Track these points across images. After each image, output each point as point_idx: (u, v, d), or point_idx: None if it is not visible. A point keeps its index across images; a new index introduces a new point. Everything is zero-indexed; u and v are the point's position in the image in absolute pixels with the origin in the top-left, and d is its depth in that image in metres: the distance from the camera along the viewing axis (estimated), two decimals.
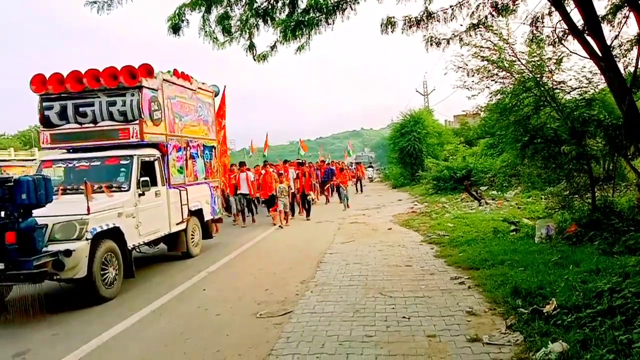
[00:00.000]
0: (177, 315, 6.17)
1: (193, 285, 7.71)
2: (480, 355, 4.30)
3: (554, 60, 8.60)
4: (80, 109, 8.46)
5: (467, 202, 16.98)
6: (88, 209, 6.61)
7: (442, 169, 22.32)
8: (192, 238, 9.90)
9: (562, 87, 8.81)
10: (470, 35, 8.20)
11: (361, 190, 28.75)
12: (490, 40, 8.89)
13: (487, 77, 9.16)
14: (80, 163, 8.25)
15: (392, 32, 7.42)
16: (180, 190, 9.29)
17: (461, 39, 8.15)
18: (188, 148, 9.88)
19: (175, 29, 6.20)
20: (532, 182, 12.30)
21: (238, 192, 15.18)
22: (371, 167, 47.45)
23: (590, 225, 8.08)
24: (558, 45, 8.23)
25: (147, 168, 8.40)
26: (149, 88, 8.47)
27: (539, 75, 8.69)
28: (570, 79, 8.72)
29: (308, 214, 16.16)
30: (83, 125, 8.51)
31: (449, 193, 20.30)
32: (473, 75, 9.22)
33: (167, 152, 8.99)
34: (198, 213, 10.23)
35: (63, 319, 6.25)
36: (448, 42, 8.08)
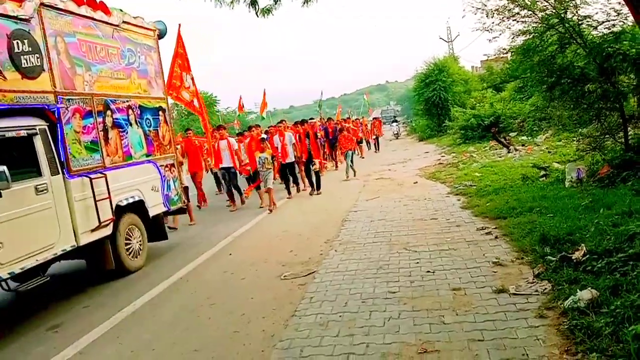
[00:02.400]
0: (203, 282, 6.25)
1: (220, 250, 7.79)
2: (506, 306, 4.19)
3: None
4: None
5: (496, 149, 16.60)
6: None
7: (469, 118, 21.80)
8: (127, 246, 6.97)
9: (588, 21, 8.29)
10: None
11: (377, 149, 26.15)
12: None
13: (507, 17, 8.68)
14: None
15: None
16: (92, 179, 6.17)
17: None
18: (108, 112, 6.80)
19: None
20: (562, 124, 11.81)
21: (220, 165, 11.86)
22: (395, 121, 42.19)
23: (623, 165, 7.74)
24: None
25: (14, 149, 5.48)
26: (6, 16, 5.30)
27: (563, 11, 8.18)
28: (597, 12, 8.19)
29: (316, 187, 12.60)
30: None
31: (477, 142, 19.89)
32: (493, 16, 8.76)
33: (60, 120, 5.87)
34: (136, 207, 7.23)
35: (92, 292, 6.40)
36: None
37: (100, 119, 6.65)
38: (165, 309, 5.43)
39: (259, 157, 10.92)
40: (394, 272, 5.47)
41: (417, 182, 12.41)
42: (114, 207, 6.56)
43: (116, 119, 6.99)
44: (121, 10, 7.31)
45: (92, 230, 6.19)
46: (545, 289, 4.37)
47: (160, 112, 8.23)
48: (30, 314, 5.74)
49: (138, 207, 7.28)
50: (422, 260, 5.76)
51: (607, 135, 8.55)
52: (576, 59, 8.45)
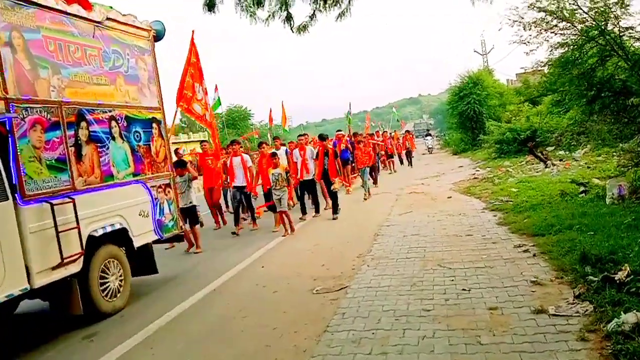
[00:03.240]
0: (235, 294, 6.27)
1: (252, 262, 7.82)
2: (545, 328, 4.05)
3: (620, 4, 7.85)
4: None
5: (533, 164, 16.24)
6: None
7: (505, 131, 21.45)
8: (103, 284, 5.83)
9: (630, 33, 8.04)
10: None
11: (410, 164, 24.67)
12: None
13: (545, 30, 8.50)
14: None
15: None
16: (53, 205, 5.05)
17: None
18: (83, 124, 5.73)
19: (210, 5, 6.15)
20: (602, 139, 11.47)
21: (232, 184, 10.93)
22: (429, 135, 40.50)
23: None
24: None
25: None
26: None
27: (603, 23, 7.97)
28: None
29: (334, 210, 11.23)
30: None
31: (512, 156, 19.55)
32: (530, 29, 8.59)
33: (12, 133, 4.80)
34: (117, 237, 6.13)
35: (128, 300, 6.50)
36: None
37: (70, 132, 5.52)
38: (198, 320, 5.47)
39: (272, 174, 9.74)
40: (428, 290, 5.37)
41: (451, 197, 12.24)
42: (84, 238, 5.46)
43: (94, 132, 5.87)
44: (110, 7, 6.36)
45: (53, 268, 5.04)
46: (587, 310, 4.21)
47: (154, 124, 7.04)
48: (66, 322, 5.84)
49: (119, 237, 6.14)
50: (457, 278, 5.64)
51: None
52: (618, 71, 8.21)
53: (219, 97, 20.74)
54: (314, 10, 6.63)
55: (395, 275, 6.03)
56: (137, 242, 6.38)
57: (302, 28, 6.86)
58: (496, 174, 15.52)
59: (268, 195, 10.55)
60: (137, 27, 6.91)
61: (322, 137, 12.15)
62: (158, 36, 7.35)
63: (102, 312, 5.77)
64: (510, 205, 9.61)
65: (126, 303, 6.18)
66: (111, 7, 6.36)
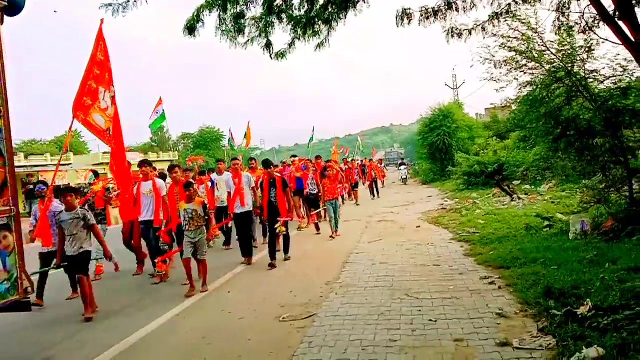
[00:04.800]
0: (200, 320, 6.13)
1: (219, 287, 7.68)
2: None
3: (586, 49, 8.21)
4: None
5: (499, 197, 16.57)
6: None
7: (473, 164, 21.82)
8: None
9: (595, 76, 8.41)
10: (494, 25, 7.91)
11: (373, 195, 22.78)
12: (518, 30, 8.56)
13: (515, 69, 8.81)
14: None
15: (408, 24, 7.25)
16: None
17: (484, 29, 7.87)
18: None
19: (191, 29, 6.19)
20: (566, 175, 11.86)
21: (139, 218, 8.77)
22: (404, 164, 36.15)
23: (628, 220, 7.70)
24: (589, 33, 7.85)
25: None
26: None
27: (570, 65, 8.31)
28: (604, 68, 8.30)
29: (284, 250, 9.41)
30: None
31: (480, 188, 19.87)
32: (501, 67, 8.89)
33: None
34: None
35: (84, 326, 6.29)
36: (470, 33, 7.81)
37: None
38: (159, 346, 5.32)
39: (184, 210, 7.52)
40: (396, 319, 5.36)
41: (420, 227, 12.35)
42: None
43: None
44: None
45: None
46: (550, 344, 4.27)
47: None
48: (23, 343, 5.60)
49: None
50: (425, 308, 5.65)
51: (611, 189, 8.53)
52: (582, 112, 8.53)
53: (163, 111, 18.50)
54: (293, 39, 6.72)
55: (363, 304, 6.01)
56: None
57: (281, 55, 6.95)
58: (464, 205, 15.75)
59: (180, 236, 8.14)
60: None
61: (267, 164, 9.55)
62: (14, 6, 4.85)
63: None
64: (477, 237, 9.76)
65: None
66: None
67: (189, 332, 5.69)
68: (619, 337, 3.95)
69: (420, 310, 5.60)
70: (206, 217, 7.74)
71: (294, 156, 15.82)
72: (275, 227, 8.95)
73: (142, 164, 9.04)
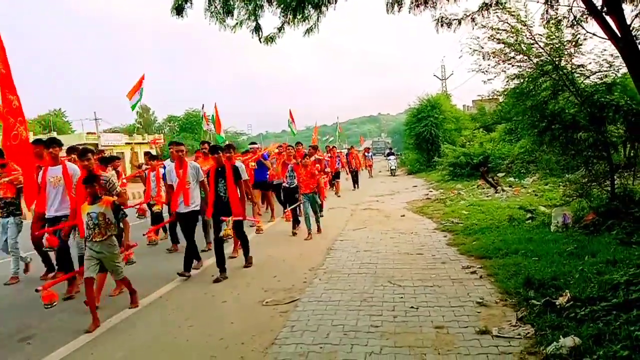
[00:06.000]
0: (183, 302, 6.13)
1: (202, 271, 7.67)
2: (488, 349, 4.16)
3: (573, 43, 8.27)
4: None
5: (484, 189, 16.70)
6: None
7: (459, 155, 22.01)
8: None
9: (581, 70, 8.49)
10: (484, 16, 7.92)
11: (355, 186, 21.82)
12: (507, 22, 8.59)
13: (503, 61, 8.85)
14: None
15: (398, 11, 7.23)
16: None
17: (473, 20, 7.88)
18: None
19: (179, 9, 6.10)
20: (550, 168, 12.03)
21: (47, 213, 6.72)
22: (392, 154, 33.75)
23: (609, 214, 7.82)
24: (577, 27, 7.90)
25: None
26: None
27: (557, 59, 8.38)
28: (590, 63, 8.39)
29: (245, 254, 7.94)
30: None
31: (465, 180, 20.04)
32: (489, 59, 8.92)
33: None
34: None
35: (69, 304, 6.26)
36: (459, 23, 7.81)
37: None
38: (142, 327, 5.31)
39: (87, 214, 5.47)
40: (378, 306, 5.42)
41: (404, 216, 12.43)
42: None
43: None
44: None
45: None
46: (528, 333, 4.35)
47: None
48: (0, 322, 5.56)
49: None
50: (407, 296, 5.72)
51: (593, 183, 8.65)
52: (568, 106, 8.61)
53: (142, 89, 16.73)
54: (283, 24, 6.67)
55: (346, 290, 6.05)
56: None
57: (270, 39, 6.90)
58: (448, 195, 15.87)
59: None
60: None
61: (214, 149, 7.76)
62: None
63: None
64: (460, 227, 9.85)
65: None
66: None
67: (172, 313, 5.69)
68: (595, 327, 4.03)
69: (402, 297, 5.66)
70: (119, 223, 6.04)
71: (253, 143, 14.28)
72: (221, 232, 7.20)
73: (51, 143, 6.76)
